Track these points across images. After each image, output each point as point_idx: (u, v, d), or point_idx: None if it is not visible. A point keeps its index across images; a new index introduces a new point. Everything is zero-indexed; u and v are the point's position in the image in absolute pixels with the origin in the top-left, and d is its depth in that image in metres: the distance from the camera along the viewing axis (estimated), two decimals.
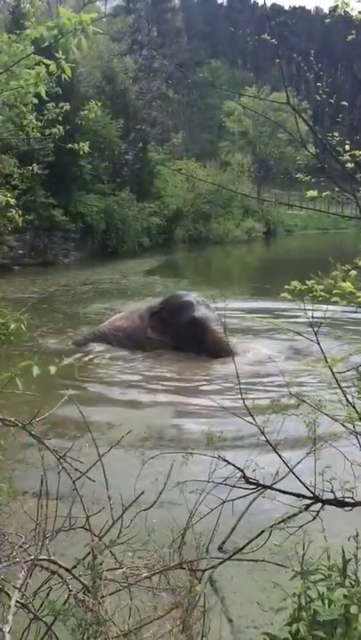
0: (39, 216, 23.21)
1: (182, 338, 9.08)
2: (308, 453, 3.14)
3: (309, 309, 2.69)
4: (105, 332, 9.62)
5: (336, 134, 3.08)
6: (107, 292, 16.62)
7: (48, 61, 3.35)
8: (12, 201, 6.48)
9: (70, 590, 2.36)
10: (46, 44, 2.86)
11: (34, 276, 20.68)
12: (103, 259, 26.11)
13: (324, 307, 2.75)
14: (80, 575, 2.42)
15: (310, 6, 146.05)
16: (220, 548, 3.61)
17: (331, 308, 2.81)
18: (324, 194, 2.94)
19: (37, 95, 4.44)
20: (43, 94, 4.26)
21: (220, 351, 8.80)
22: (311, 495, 2.62)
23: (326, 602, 2.11)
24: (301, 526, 2.60)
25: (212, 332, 8.97)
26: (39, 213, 23.19)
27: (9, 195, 6.62)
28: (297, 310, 2.85)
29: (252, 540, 2.69)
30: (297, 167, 38.14)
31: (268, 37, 3.02)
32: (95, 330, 9.88)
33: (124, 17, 50.57)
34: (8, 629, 1.97)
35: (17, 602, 2.14)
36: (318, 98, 3.19)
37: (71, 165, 24.25)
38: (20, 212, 8.01)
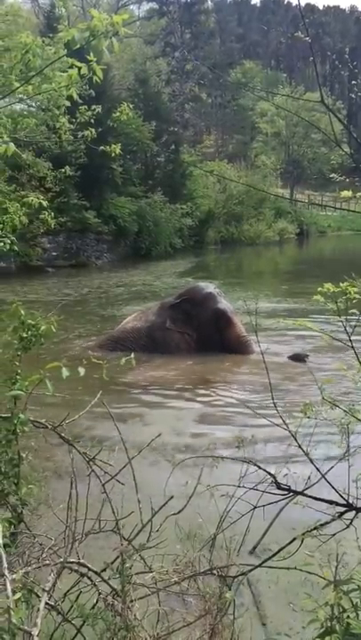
0: (72, 218, 23.51)
1: (204, 330, 9.05)
2: (341, 459, 3.08)
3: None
4: (119, 336, 9.31)
5: None
6: (140, 294, 16.65)
7: (80, 64, 3.35)
8: (45, 203, 6.53)
9: (99, 593, 2.34)
10: (78, 46, 2.86)
11: (67, 278, 20.88)
12: (135, 260, 26.23)
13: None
14: (109, 579, 2.41)
15: (345, 5, 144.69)
16: (250, 554, 3.56)
17: None
18: (359, 194, 2.87)
19: (70, 98, 4.46)
20: (75, 97, 4.28)
21: (242, 346, 8.93)
22: (345, 503, 2.56)
23: (360, 613, 2.06)
24: (334, 534, 2.54)
25: (234, 326, 9.03)
26: (72, 215, 23.48)
27: (42, 197, 6.67)
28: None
29: (284, 547, 2.64)
30: (331, 168, 37.79)
31: (302, 36, 2.97)
32: (109, 335, 9.57)
33: (156, 19, 50.90)
34: (37, 632, 1.96)
35: (46, 604, 2.14)
36: (353, 96, 3.13)
37: (103, 168, 24.46)
38: (53, 214, 8.07)
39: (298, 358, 8.61)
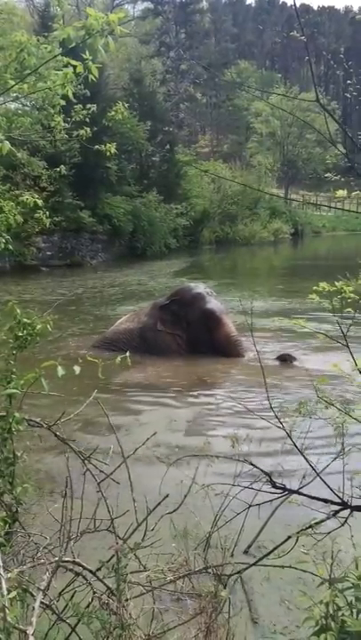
0: (67, 218, 23.47)
1: (194, 331, 8.99)
2: (336, 458, 3.09)
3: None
4: (112, 337, 9.27)
5: None
6: (135, 294, 16.63)
7: (75, 62, 3.35)
8: (40, 202, 6.52)
9: (94, 592, 2.34)
10: (74, 44, 2.86)
11: (61, 278, 20.85)
12: (130, 260, 26.21)
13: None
14: (104, 577, 2.40)
15: (339, 6, 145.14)
16: (245, 553, 3.56)
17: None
18: (354, 193, 2.88)
19: (65, 97, 4.45)
20: (70, 96, 4.27)
21: (231, 346, 8.87)
22: (339, 501, 2.56)
23: (355, 611, 2.06)
24: (329, 532, 2.54)
25: (223, 325, 8.95)
26: (67, 215, 23.45)
27: (36, 196, 6.66)
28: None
29: (279, 545, 2.65)
30: (325, 168, 37.87)
31: (298, 35, 2.97)
32: (102, 337, 9.52)
33: (151, 19, 50.91)
34: (32, 631, 1.96)
35: (41, 602, 2.14)
36: (348, 96, 3.14)
37: (98, 167, 24.45)
38: (48, 213, 8.06)
39: (283, 359, 8.57)
